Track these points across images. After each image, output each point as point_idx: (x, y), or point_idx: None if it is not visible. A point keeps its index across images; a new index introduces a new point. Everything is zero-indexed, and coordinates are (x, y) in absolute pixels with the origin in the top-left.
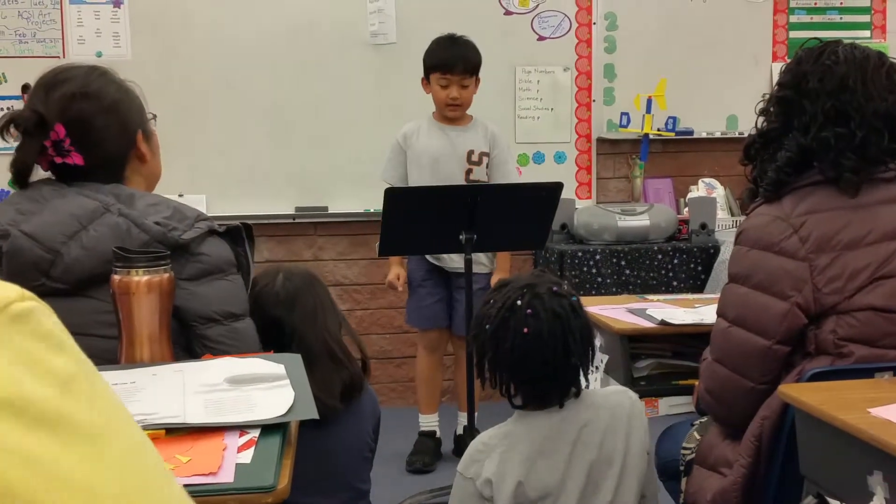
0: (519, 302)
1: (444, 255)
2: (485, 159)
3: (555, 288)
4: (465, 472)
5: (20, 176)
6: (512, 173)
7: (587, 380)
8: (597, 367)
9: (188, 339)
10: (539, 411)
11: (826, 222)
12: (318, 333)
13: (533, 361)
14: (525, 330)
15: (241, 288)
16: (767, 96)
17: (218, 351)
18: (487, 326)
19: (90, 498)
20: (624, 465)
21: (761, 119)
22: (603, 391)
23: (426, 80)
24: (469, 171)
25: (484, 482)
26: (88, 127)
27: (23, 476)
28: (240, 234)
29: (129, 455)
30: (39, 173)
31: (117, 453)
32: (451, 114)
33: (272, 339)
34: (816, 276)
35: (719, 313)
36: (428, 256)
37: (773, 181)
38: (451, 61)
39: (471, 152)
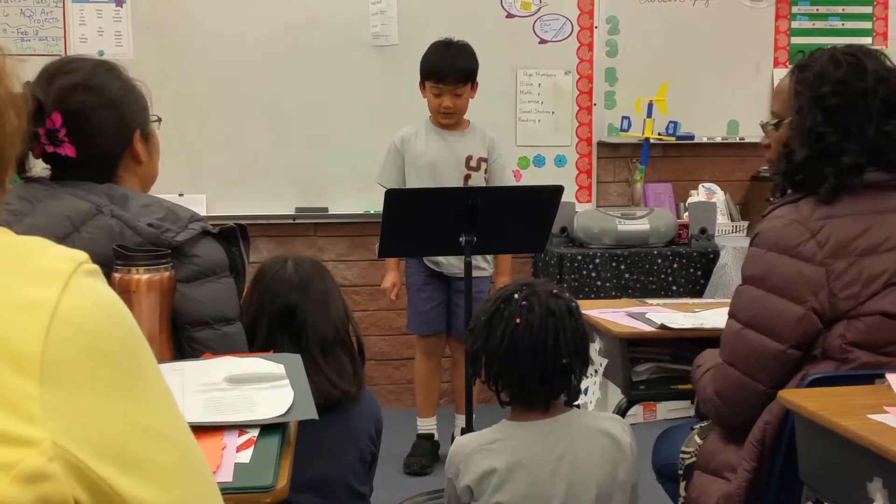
0: (516, 295)
1: (443, 260)
2: (483, 165)
3: (554, 290)
4: (447, 472)
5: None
6: (510, 179)
7: (579, 386)
8: (596, 371)
9: (178, 339)
10: (525, 422)
11: (844, 227)
12: (331, 319)
13: (522, 354)
14: (517, 320)
15: (233, 291)
16: (800, 117)
17: (204, 353)
18: (483, 317)
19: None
20: (609, 494)
21: (801, 142)
22: (596, 414)
23: (422, 84)
24: (468, 177)
25: (463, 489)
26: (85, 119)
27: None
28: (234, 234)
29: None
30: (36, 170)
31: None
32: (445, 121)
33: (286, 327)
34: (833, 282)
35: (731, 314)
36: (427, 261)
37: (833, 185)
38: (444, 71)
39: (469, 157)
